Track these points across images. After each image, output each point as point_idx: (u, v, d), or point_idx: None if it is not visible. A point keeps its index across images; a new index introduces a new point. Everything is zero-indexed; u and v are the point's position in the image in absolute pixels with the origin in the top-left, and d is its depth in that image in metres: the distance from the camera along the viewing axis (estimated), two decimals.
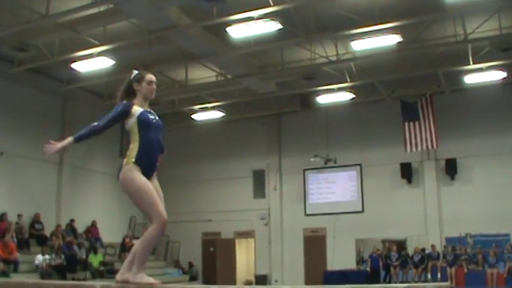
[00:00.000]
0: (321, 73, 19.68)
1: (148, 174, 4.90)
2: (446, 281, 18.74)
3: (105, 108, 19.83)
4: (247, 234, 25.28)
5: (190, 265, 24.93)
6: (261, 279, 23.81)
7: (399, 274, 20.73)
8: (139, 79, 5.18)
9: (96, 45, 16.98)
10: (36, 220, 19.68)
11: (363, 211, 23.18)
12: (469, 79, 19.50)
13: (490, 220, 20.24)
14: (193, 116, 23.74)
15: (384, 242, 22.34)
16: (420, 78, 20.59)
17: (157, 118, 5.17)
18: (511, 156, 20.71)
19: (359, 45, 17.11)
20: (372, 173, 23.11)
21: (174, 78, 21.41)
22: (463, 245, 20.70)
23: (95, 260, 19.93)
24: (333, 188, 24.02)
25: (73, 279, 17.29)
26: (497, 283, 19.01)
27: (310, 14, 15.89)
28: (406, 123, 20.96)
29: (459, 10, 15.70)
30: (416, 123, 20.82)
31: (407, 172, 22.51)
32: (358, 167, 23.53)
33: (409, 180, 22.61)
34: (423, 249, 20.93)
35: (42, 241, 19.10)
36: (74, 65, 18.00)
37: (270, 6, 14.53)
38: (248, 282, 24.15)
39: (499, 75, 19.10)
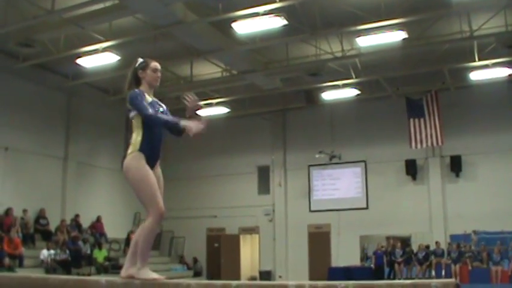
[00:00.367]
0: (326, 69, 19.66)
1: (152, 163, 4.93)
2: (451, 278, 18.71)
3: (110, 104, 19.97)
4: (251, 230, 25.29)
5: (195, 261, 24.96)
6: (265, 275, 23.84)
7: (403, 271, 20.70)
8: (144, 67, 5.19)
9: (102, 41, 16.98)
10: (41, 215, 19.73)
11: (367, 208, 23.16)
12: (475, 76, 19.46)
13: (495, 217, 20.17)
14: (198, 112, 23.69)
15: (388, 238, 22.30)
16: (425, 74, 20.55)
17: (162, 108, 5.16)
18: None
19: (364, 42, 17.07)
20: (376, 169, 23.08)
21: (179, 74, 21.41)
22: (468, 242, 20.66)
23: (100, 255, 19.97)
24: (338, 185, 24.00)
25: (78, 274, 17.32)
26: (501, 280, 18.97)
27: (315, 10, 15.85)
28: (411, 120, 20.92)
29: (465, 7, 15.66)
30: (422, 120, 20.77)
31: (412, 169, 22.47)
32: (363, 164, 23.50)
33: (414, 177, 22.57)
34: (427, 246, 20.90)
35: (47, 236, 19.15)
36: (79, 61, 18.01)
37: (275, 2, 14.53)
38: (252, 278, 24.19)
39: (504, 72, 19.03)
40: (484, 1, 15.43)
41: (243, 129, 25.20)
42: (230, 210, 24.79)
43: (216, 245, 24.90)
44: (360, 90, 21.36)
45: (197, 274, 24.15)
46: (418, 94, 21.17)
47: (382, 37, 16.48)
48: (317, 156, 23.42)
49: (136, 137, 4.92)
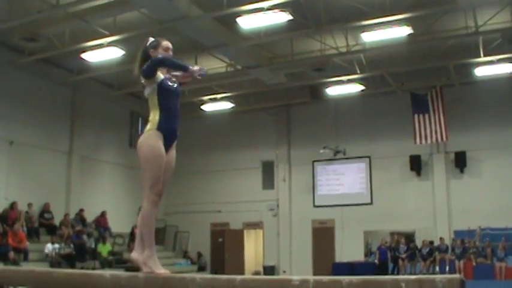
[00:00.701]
0: (331, 64, 19.62)
1: (169, 142, 4.86)
2: (455, 273, 18.70)
3: (115, 99, 19.96)
4: (255, 225, 25.30)
5: (199, 255, 24.98)
6: (269, 270, 23.87)
7: (407, 266, 20.71)
8: (155, 46, 5.09)
9: (106, 36, 16.98)
10: (45, 209, 19.76)
11: (371, 203, 23.15)
12: (480, 72, 19.43)
13: (499, 213, 20.15)
14: (202, 107, 23.74)
15: (392, 234, 22.29)
16: (430, 70, 20.52)
17: (176, 85, 5.05)
18: None
19: (369, 37, 17.05)
20: (381, 165, 23.06)
21: None
22: (472, 238, 20.64)
23: (104, 249, 20.00)
24: (342, 180, 23.99)
25: (82, 268, 17.35)
26: (505, 277, 18.95)
27: (320, 5, 15.82)
28: (416, 116, 20.88)
29: (470, 2, 15.63)
30: (426, 116, 20.74)
31: (416, 165, 22.44)
32: (367, 159, 23.48)
33: (418, 173, 22.54)
34: (431, 242, 20.89)
35: (51, 230, 19.19)
36: (83, 55, 18.03)
37: None
38: (256, 273, 24.21)
39: (509, 68, 19.02)
40: None
41: (247, 124, 25.18)
42: (234, 205, 24.80)
43: (220, 239, 24.91)
44: (364, 85, 21.35)
45: (201, 269, 24.17)
46: (423, 90, 21.13)
47: (387, 32, 16.47)
48: (321, 151, 23.41)
49: (154, 116, 4.84)
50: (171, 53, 5.14)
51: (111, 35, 16.91)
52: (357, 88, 21.46)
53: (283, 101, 24.18)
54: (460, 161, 21.73)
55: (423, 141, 20.87)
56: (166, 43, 5.13)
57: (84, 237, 19.54)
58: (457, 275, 3.24)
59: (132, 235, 21.75)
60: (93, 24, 16.49)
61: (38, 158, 20.02)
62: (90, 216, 21.37)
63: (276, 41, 18.60)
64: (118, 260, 20.07)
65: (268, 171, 25.44)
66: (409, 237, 21.89)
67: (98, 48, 17.45)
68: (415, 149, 21.70)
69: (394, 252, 21.14)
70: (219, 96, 22.77)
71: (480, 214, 20.53)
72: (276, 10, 14.87)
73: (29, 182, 19.49)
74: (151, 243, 4.78)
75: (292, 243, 24.29)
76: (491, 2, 15.78)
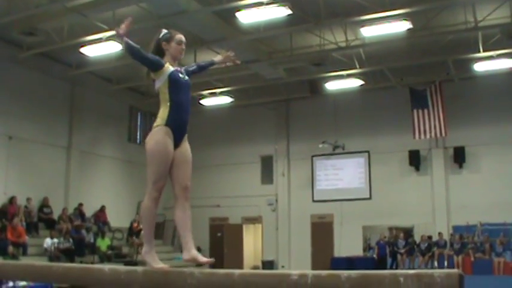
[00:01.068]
0: (330, 59, 19.62)
1: (178, 137, 4.82)
2: (453, 268, 18.73)
3: (114, 93, 19.93)
4: (254, 220, 25.34)
5: (198, 250, 24.64)
6: (268, 264, 23.90)
7: (406, 261, 20.76)
8: (168, 38, 5.07)
9: (105, 30, 16.93)
10: (44, 204, 19.77)
11: (370, 198, 23.18)
12: (479, 67, 19.43)
13: (498, 209, 20.16)
14: (201, 101, 23.72)
15: (391, 229, 22.31)
16: (430, 65, 20.53)
17: (186, 77, 5.03)
18: None
19: (369, 32, 17.04)
20: (380, 160, 23.07)
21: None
22: (470, 233, 20.67)
23: (103, 244, 20.02)
24: (341, 175, 24.01)
25: (81, 262, 17.37)
26: (504, 272, 18.99)
27: (319, 0, 15.81)
28: (415, 111, 20.89)
29: None
30: (425, 111, 20.74)
31: (415, 160, 22.46)
32: (366, 154, 23.49)
33: (417, 168, 22.57)
34: (430, 237, 20.93)
35: (50, 225, 19.19)
36: (82, 50, 18.01)
37: None
38: (255, 268, 24.20)
39: (509, 64, 18.99)
40: None
41: (246, 119, 25.19)
42: (233, 199, 24.82)
43: (219, 234, 24.94)
44: (363, 80, 21.36)
45: (200, 263, 24.18)
46: (422, 85, 21.13)
47: (387, 27, 16.45)
48: (320, 146, 23.42)
49: (163, 110, 4.80)
50: (183, 46, 5.12)
51: (110, 29, 16.86)
52: (356, 83, 21.46)
53: (282, 96, 24.19)
54: (459, 156, 21.76)
55: (422, 137, 20.88)
56: (179, 36, 5.11)
57: (83, 231, 19.57)
58: (455, 270, 3.25)
59: (130, 229, 21.80)
60: (92, 19, 16.46)
61: (37, 153, 20.02)
62: (89, 210, 21.38)
63: (276, 35, 18.58)
64: (117, 255, 20.13)
65: (267, 166, 25.47)
66: (408, 232, 21.94)
67: (96, 42, 17.41)
68: (414, 144, 21.72)
69: (393, 247, 21.18)
70: (218, 90, 22.77)
71: (479, 209, 20.54)
72: (275, 4, 14.85)
73: (28, 176, 19.50)
74: (150, 239, 4.80)
75: (291, 238, 24.32)
76: None
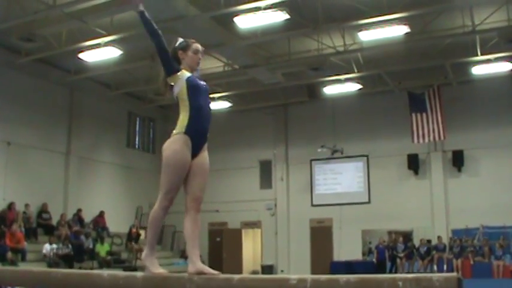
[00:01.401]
0: (328, 64, 19.63)
1: (198, 146, 4.69)
2: (452, 272, 18.71)
3: (112, 99, 19.93)
4: (253, 225, 25.32)
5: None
6: (267, 269, 23.88)
7: (405, 265, 20.75)
8: (184, 47, 4.94)
9: (104, 35, 16.97)
10: (43, 210, 19.76)
11: (369, 202, 23.18)
12: (477, 70, 19.46)
13: (497, 212, 20.16)
14: None
15: (390, 233, 22.32)
16: (428, 69, 20.56)
17: (204, 83, 4.86)
18: None
19: (366, 36, 17.06)
20: (378, 164, 23.08)
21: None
22: (470, 236, 20.67)
23: (102, 249, 19.99)
24: (340, 179, 24.02)
25: (80, 268, 17.35)
26: (503, 275, 18.99)
27: (317, 4, 15.84)
28: (414, 115, 20.91)
29: (467, 1, 15.66)
30: (424, 115, 20.77)
31: (414, 163, 22.47)
32: (365, 158, 23.51)
33: (416, 172, 22.58)
34: (429, 241, 20.93)
35: (49, 230, 19.17)
36: (81, 55, 18.03)
37: None
38: (254, 272, 24.21)
39: (506, 67, 19.06)
40: None
41: (245, 124, 25.18)
42: (232, 204, 24.79)
43: (218, 239, 24.90)
44: (362, 84, 21.37)
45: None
46: (420, 88, 21.16)
47: (384, 31, 16.48)
48: (319, 150, 23.41)
49: (183, 118, 4.62)
50: (200, 56, 4.95)
51: (109, 34, 16.91)
52: (354, 87, 21.48)
53: (280, 101, 24.20)
54: (457, 160, 21.77)
55: (421, 140, 20.89)
56: (196, 46, 4.97)
57: (82, 237, 19.54)
58: (454, 274, 3.26)
59: (129, 235, 21.78)
60: (90, 24, 16.46)
61: (36, 159, 20.02)
62: (88, 216, 21.37)
63: (273, 40, 18.61)
64: (116, 260, 20.09)
65: (266, 170, 25.46)
66: (407, 236, 21.94)
67: (95, 48, 17.45)
68: (412, 147, 21.73)
69: (392, 251, 21.18)
70: (216, 95, 22.76)
71: (478, 213, 20.54)
72: (273, 9, 14.87)
73: (26, 182, 19.49)
74: (152, 244, 4.76)
75: (290, 243, 24.30)
76: (488, 1, 15.81)
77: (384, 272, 19.91)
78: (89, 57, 18.15)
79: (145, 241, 4.87)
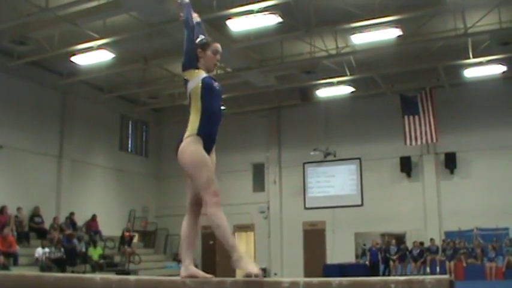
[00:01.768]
0: (321, 67, 19.68)
1: (209, 147, 4.65)
2: (445, 274, 18.76)
3: (105, 102, 19.91)
4: (246, 228, 25.28)
5: None
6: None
7: (398, 268, 20.78)
8: (204, 45, 4.81)
9: (96, 39, 16.95)
10: (35, 213, 19.67)
11: (362, 205, 23.20)
12: (469, 73, 19.52)
13: (489, 214, 20.24)
14: None
15: (383, 235, 22.36)
16: (420, 72, 20.60)
17: (219, 86, 4.79)
18: (510, 150, 20.72)
19: (359, 39, 17.11)
20: (371, 166, 23.11)
21: (173, 72, 21.37)
22: (463, 238, 20.72)
23: (95, 253, 19.95)
24: (333, 182, 24.03)
25: (73, 272, 17.30)
26: (496, 277, 19.04)
27: (310, 8, 15.85)
28: (406, 117, 20.93)
29: (459, 4, 15.70)
30: (416, 117, 20.79)
31: (406, 166, 22.52)
32: (358, 161, 23.53)
33: (409, 174, 22.63)
34: (422, 243, 20.97)
35: (41, 234, 19.10)
36: (73, 58, 17.99)
37: None
38: (248, 276, 24.15)
39: (498, 69, 19.12)
40: None
41: (237, 127, 25.12)
42: (225, 207, 23.80)
43: (211, 242, 24.84)
44: (354, 87, 21.41)
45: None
46: (412, 91, 21.18)
47: (377, 34, 16.52)
48: (312, 153, 23.45)
49: (195, 120, 4.56)
50: (219, 57, 4.87)
51: (101, 38, 16.88)
52: (347, 90, 21.52)
53: (273, 104, 24.21)
54: (450, 162, 21.83)
55: (413, 143, 20.92)
56: (216, 46, 4.87)
57: (75, 241, 19.47)
58: (446, 276, 3.26)
59: (122, 238, 21.72)
60: (83, 27, 16.44)
61: (28, 162, 19.94)
62: (80, 219, 21.31)
63: (266, 43, 18.62)
64: (109, 264, 20.04)
65: (258, 173, 25.45)
66: (400, 239, 21.98)
67: (87, 51, 17.41)
68: (405, 150, 21.78)
69: (385, 254, 21.20)
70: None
71: (470, 215, 20.62)
72: (265, 13, 14.88)
73: (18, 186, 19.42)
74: (234, 244, 4.59)
75: (283, 246, 24.29)
76: (479, 3, 15.86)
77: (377, 275, 19.91)
78: (82, 60, 18.11)
79: (227, 247, 4.64)
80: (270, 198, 24.87)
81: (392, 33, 16.60)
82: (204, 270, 4.46)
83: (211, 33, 17.39)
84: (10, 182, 19.23)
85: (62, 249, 18.41)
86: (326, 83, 21.00)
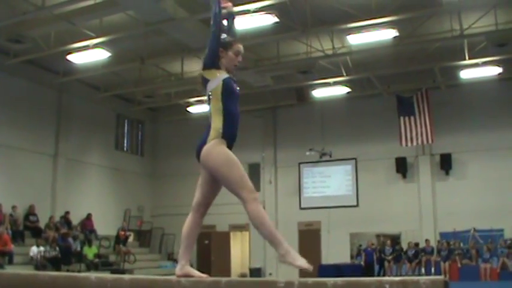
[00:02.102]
0: (317, 67, 19.67)
1: (230, 147, 4.59)
2: (440, 275, 18.79)
3: (101, 101, 19.85)
4: (242, 227, 25.24)
5: None
6: (256, 272, 23.84)
7: (393, 268, 20.80)
8: (226, 44, 4.63)
9: (92, 37, 16.91)
10: (30, 212, 19.64)
11: (357, 205, 23.22)
12: (465, 74, 19.56)
13: (485, 215, 20.27)
14: (189, 109, 23.67)
15: (378, 236, 22.40)
16: (416, 73, 20.63)
17: (238, 88, 4.66)
18: (505, 152, 20.79)
19: (355, 40, 17.13)
20: (367, 167, 23.13)
21: (169, 71, 21.39)
22: (457, 239, 20.76)
23: (90, 252, 19.93)
24: (328, 182, 24.05)
25: (68, 271, 17.28)
26: (490, 277, 19.08)
27: (306, 8, 15.86)
28: (402, 118, 20.94)
29: (455, 5, 15.73)
30: (412, 118, 20.80)
31: (402, 167, 22.54)
32: (354, 161, 23.55)
33: (404, 175, 22.65)
34: (417, 244, 20.99)
35: (36, 233, 19.08)
36: (69, 57, 17.97)
37: None
38: (243, 275, 24.18)
39: (494, 71, 19.17)
40: (475, 0, 15.50)
41: None
42: (220, 207, 24.32)
43: (206, 242, 24.85)
44: (350, 88, 21.43)
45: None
46: (408, 92, 21.20)
47: (373, 35, 16.54)
48: (307, 153, 23.44)
49: (217, 123, 4.49)
50: (240, 58, 4.73)
51: (97, 36, 16.85)
52: (343, 90, 21.53)
53: (269, 104, 24.20)
54: (445, 163, 21.87)
55: (409, 144, 20.92)
56: (238, 47, 4.72)
57: (70, 240, 19.44)
58: (440, 277, 3.27)
59: (117, 237, 21.70)
60: (79, 26, 16.41)
61: (24, 161, 19.91)
62: (76, 218, 21.29)
63: (262, 43, 18.61)
64: (104, 263, 20.02)
65: (254, 173, 25.40)
66: (395, 239, 22.01)
67: (83, 50, 17.38)
68: (401, 151, 21.79)
69: (380, 254, 21.22)
70: (205, 98, 22.73)
71: (465, 216, 20.65)
72: (262, 12, 14.89)
73: (14, 184, 19.38)
74: (280, 240, 4.59)
75: None
76: (476, 5, 15.89)
77: (372, 275, 19.92)
78: (78, 59, 18.09)
79: (273, 243, 4.68)
80: (266, 198, 24.84)
81: (388, 34, 16.63)
82: (199, 269, 4.46)
83: (207, 32, 17.38)
84: (5, 181, 19.17)
85: (57, 248, 18.39)
86: (322, 83, 21.00)
